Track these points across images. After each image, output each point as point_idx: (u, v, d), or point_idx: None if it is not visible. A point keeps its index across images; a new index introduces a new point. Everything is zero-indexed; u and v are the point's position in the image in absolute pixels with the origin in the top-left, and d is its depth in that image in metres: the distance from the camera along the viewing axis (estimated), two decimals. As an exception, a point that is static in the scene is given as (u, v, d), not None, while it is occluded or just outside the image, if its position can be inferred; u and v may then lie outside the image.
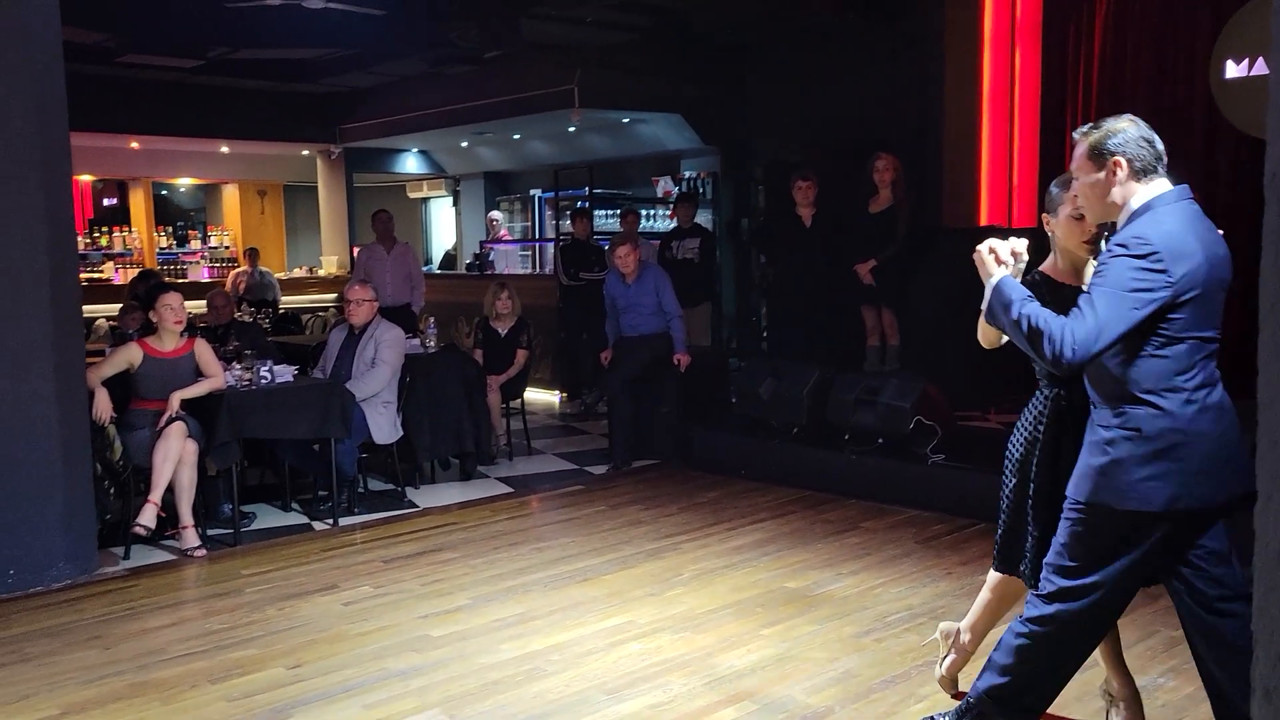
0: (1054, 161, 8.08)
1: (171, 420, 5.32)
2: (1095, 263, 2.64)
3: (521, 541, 5.55)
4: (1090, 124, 2.69)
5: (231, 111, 12.61)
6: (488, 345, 7.66)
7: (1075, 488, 2.68)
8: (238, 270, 12.81)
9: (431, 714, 3.51)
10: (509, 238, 13.97)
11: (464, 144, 13.89)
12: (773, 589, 4.70)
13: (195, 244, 14.83)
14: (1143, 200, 2.59)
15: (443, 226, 17.05)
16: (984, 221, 7.91)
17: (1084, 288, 2.73)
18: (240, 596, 4.75)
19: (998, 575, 3.20)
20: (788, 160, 8.95)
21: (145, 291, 6.42)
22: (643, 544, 5.43)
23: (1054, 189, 2.95)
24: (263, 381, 5.74)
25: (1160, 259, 2.47)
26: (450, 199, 16.09)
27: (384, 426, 6.22)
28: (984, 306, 2.65)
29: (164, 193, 15.44)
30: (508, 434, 7.68)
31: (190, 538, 5.37)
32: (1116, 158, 2.60)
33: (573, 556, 5.24)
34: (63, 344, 4.98)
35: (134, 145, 13.21)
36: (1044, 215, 3.04)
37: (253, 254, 12.89)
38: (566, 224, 10.75)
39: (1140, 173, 2.60)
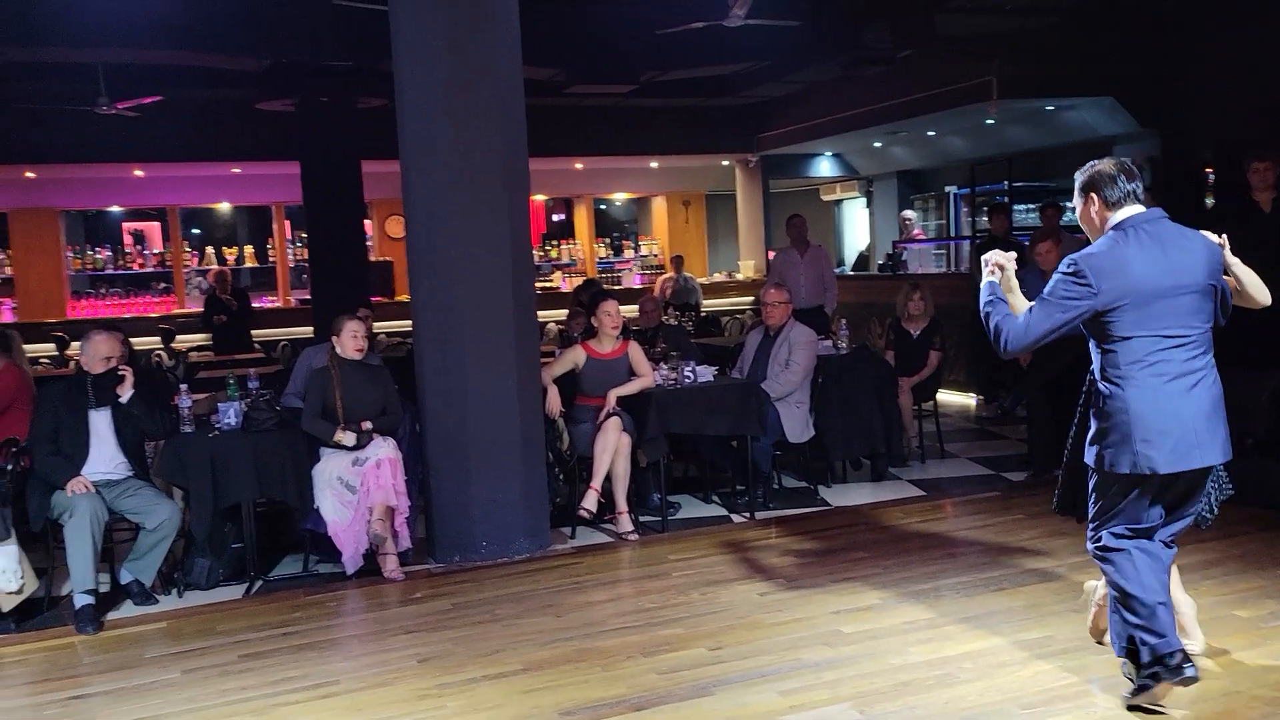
0: None
1: (609, 415, 5.90)
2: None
3: (933, 545, 5.49)
4: (1085, 166, 3.50)
5: (660, 129, 13.64)
6: (899, 346, 7.63)
7: (1085, 455, 3.52)
8: (664, 277, 13.75)
9: (843, 707, 3.62)
10: (923, 236, 13.73)
11: (877, 144, 13.86)
12: (1218, 615, 4.27)
13: (628, 253, 16.15)
14: (1112, 224, 3.41)
15: (855, 227, 17.11)
16: None
17: None
18: (668, 579, 5.17)
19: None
20: (1242, 138, 7.97)
21: (589, 298, 7.15)
22: (1064, 556, 5.15)
23: None
24: (686, 381, 6.19)
25: (1084, 275, 3.29)
26: (863, 200, 16.12)
27: (797, 425, 6.44)
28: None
29: (602, 207, 16.97)
30: (920, 436, 7.60)
31: (625, 523, 5.93)
32: (1091, 193, 3.45)
33: (987, 564, 5.10)
34: (522, 346, 5.72)
35: (578, 166, 14.69)
36: None
37: (678, 261, 13.78)
38: (983, 220, 10.37)
39: (1111, 204, 3.42)
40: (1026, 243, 8.61)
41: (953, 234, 13.71)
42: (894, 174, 14.79)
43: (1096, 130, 10.62)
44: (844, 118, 12.12)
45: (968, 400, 9.87)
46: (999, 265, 3.60)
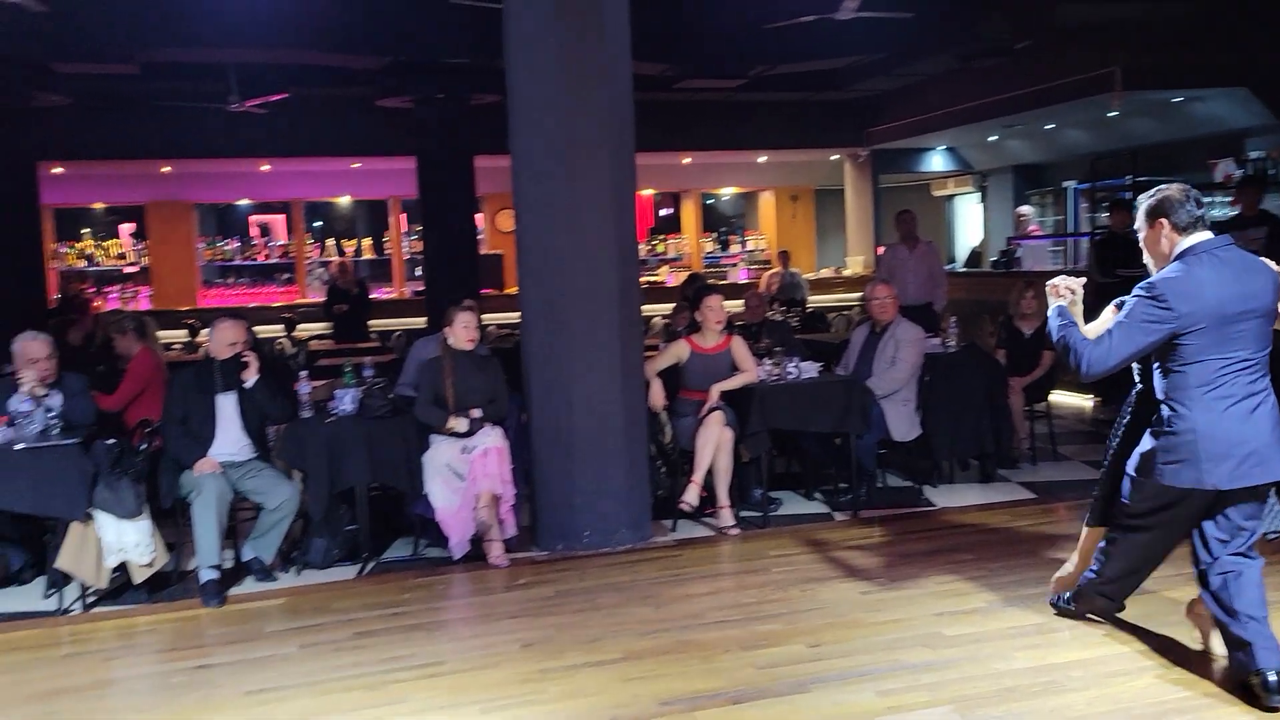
0: None
1: (712, 410, 5.92)
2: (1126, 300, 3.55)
3: (1043, 549, 5.36)
4: (1151, 191, 3.60)
5: (769, 124, 13.57)
6: (1011, 345, 7.46)
7: (1130, 463, 3.71)
8: (771, 272, 13.68)
9: (943, 711, 3.58)
10: (1039, 233, 13.34)
11: (992, 138, 13.52)
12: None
13: (735, 248, 16.12)
14: (1181, 250, 3.50)
15: (968, 223, 16.72)
16: None
17: None
18: (768, 575, 5.17)
19: (1087, 529, 4.12)
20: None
21: (693, 293, 7.18)
22: (1183, 565, 4.91)
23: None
24: (789, 377, 6.17)
25: (1165, 298, 3.39)
26: (977, 195, 15.74)
27: (902, 424, 6.36)
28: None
29: (710, 202, 16.97)
30: (1031, 438, 7.41)
31: (726, 517, 5.94)
32: (1161, 219, 3.54)
33: (1099, 571, 4.95)
34: (626, 340, 5.78)
35: (686, 161, 14.73)
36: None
37: (784, 256, 13.69)
38: (1103, 217, 10.03)
39: (1181, 229, 3.51)
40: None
41: (1071, 230, 13.28)
42: (1009, 168, 14.40)
43: (1226, 123, 10.16)
44: (957, 111, 11.85)
45: (1084, 402, 9.57)
46: (1070, 289, 3.70)
